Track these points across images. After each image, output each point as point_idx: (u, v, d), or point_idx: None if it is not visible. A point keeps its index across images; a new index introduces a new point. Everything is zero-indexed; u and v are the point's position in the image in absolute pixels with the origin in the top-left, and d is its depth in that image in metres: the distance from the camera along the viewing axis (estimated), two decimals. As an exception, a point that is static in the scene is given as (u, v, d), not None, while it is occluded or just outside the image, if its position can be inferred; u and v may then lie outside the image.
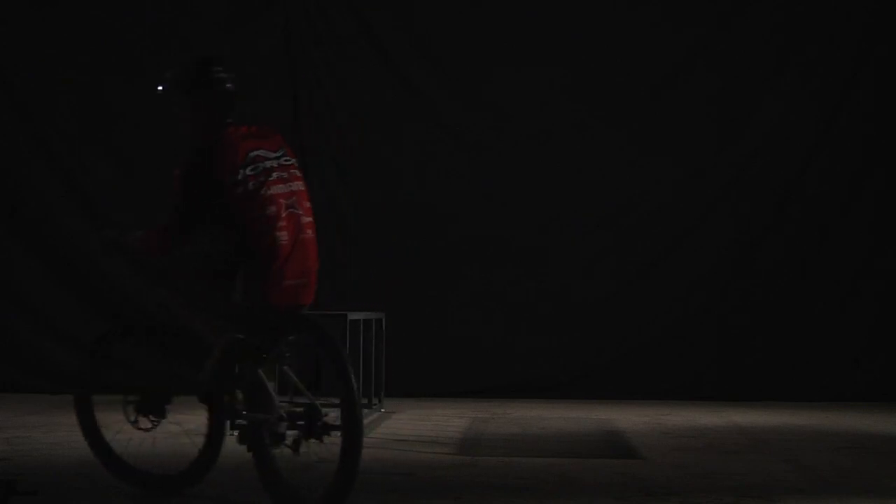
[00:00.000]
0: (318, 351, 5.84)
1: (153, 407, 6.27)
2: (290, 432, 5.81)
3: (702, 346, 12.00)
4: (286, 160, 6.02)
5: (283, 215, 5.85)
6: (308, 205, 6.01)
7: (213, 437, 6.26)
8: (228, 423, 6.03)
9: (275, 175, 5.90)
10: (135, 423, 6.27)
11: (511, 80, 12.14)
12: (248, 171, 5.86)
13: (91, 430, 6.46)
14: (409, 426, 9.46)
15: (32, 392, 11.46)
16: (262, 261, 5.82)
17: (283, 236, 5.83)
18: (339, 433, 5.74)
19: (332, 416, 5.86)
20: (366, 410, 9.79)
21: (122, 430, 6.32)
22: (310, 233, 5.97)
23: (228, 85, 6.13)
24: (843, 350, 11.99)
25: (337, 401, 8.42)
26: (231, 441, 6.06)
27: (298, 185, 6.00)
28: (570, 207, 12.14)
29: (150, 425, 6.28)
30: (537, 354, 12.04)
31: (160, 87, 6.17)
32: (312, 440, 5.79)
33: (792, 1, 12.12)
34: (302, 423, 5.77)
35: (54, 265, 12.00)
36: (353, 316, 9.21)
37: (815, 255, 12.06)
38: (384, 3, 12.29)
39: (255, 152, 5.91)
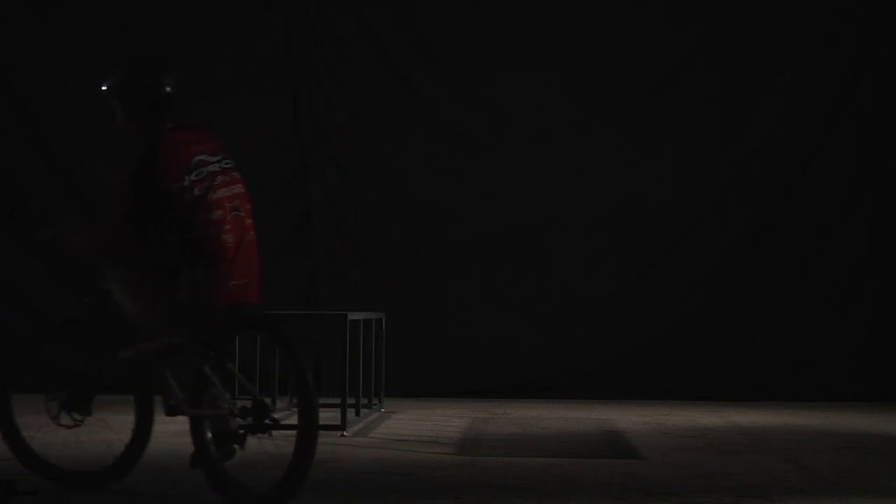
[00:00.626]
0: (275, 349, 5.91)
1: (78, 404, 6.30)
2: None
3: (702, 346, 12.00)
4: (227, 164, 6.11)
5: (229, 218, 5.97)
6: (249, 207, 6.13)
7: (140, 428, 6.32)
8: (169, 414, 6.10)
9: (219, 179, 6.00)
10: (61, 421, 6.30)
11: (511, 80, 12.14)
12: (193, 177, 5.95)
13: (9, 429, 6.48)
14: (409, 426, 9.46)
15: (32, 392, 11.44)
16: (209, 263, 5.92)
17: (229, 239, 5.94)
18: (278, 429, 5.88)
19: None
20: (365, 410, 9.79)
21: (47, 428, 6.35)
22: (252, 234, 6.12)
23: (168, 89, 6.17)
24: (843, 350, 11.99)
25: (336, 400, 8.42)
26: (184, 442, 6.06)
27: (240, 188, 6.11)
28: (570, 207, 12.14)
29: (74, 423, 6.31)
30: (537, 354, 12.04)
31: (104, 87, 6.27)
32: (260, 436, 5.86)
33: (792, 1, 12.12)
34: (250, 418, 5.83)
35: (54, 265, 11.99)
36: (353, 316, 9.20)
37: (815, 255, 12.06)
38: (384, 3, 12.29)
39: (199, 157, 6.00)
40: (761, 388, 11.87)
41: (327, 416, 9.56)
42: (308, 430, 5.69)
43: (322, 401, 10.56)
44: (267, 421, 5.79)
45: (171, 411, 6.02)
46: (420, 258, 12.12)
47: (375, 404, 10.42)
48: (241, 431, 5.81)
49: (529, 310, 12.12)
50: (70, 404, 6.31)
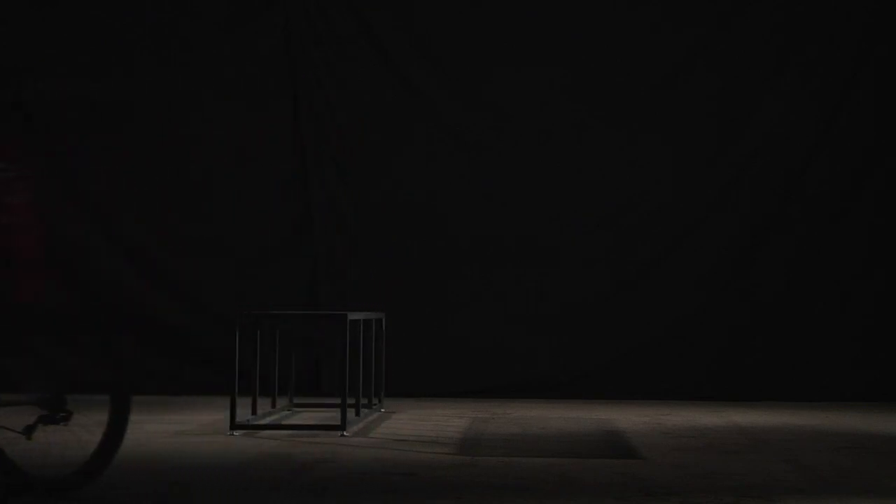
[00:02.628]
0: (104, 344, 6.12)
1: None
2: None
3: (702, 346, 12.00)
4: (18, 171, 6.24)
5: (24, 223, 6.18)
6: (37, 212, 6.27)
7: None
8: None
9: (14, 185, 6.16)
10: None
11: (511, 80, 12.14)
12: None
13: None
14: (409, 426, 9.46)
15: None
16: (6, 264, 6.10)
17: (27, 242, 6.15)
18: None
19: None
20: (365, 410, 9.79)
21: None
22: (42, 238, 6.25)
23: None
24: (843, 350, 11.99)
25: (336, 400, 8.42)
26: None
27: (30, 196, 6.25)
28: (570, 207, 12.14)
29: None
30: (537, 354, 12.03)
31: None
32: (52, 427, 5.99)
33: (792, 1, 12.12)
34: (44, 411, 5.98)
35: (54, 265, 11.97)
36: (353, 316, 9.20)
37: (814, 256, 12.06)
38: (384, 3, 12.29)
39: None
40: (761, 388, 11.87)
41: (327, 416, 9.58)
42: (118, 418, 5.95)
43: (322, 401, 10.64)
44: (62, 413, 5.95)
45: None
46: (420, 258, 12.12)
47: (375, 404, 10.42)
48: (31, 421, 5.93)
49: (529, 309, 12.11)
50: None
